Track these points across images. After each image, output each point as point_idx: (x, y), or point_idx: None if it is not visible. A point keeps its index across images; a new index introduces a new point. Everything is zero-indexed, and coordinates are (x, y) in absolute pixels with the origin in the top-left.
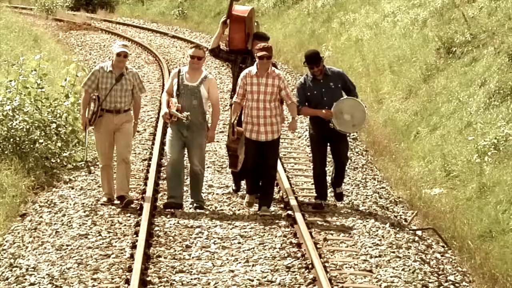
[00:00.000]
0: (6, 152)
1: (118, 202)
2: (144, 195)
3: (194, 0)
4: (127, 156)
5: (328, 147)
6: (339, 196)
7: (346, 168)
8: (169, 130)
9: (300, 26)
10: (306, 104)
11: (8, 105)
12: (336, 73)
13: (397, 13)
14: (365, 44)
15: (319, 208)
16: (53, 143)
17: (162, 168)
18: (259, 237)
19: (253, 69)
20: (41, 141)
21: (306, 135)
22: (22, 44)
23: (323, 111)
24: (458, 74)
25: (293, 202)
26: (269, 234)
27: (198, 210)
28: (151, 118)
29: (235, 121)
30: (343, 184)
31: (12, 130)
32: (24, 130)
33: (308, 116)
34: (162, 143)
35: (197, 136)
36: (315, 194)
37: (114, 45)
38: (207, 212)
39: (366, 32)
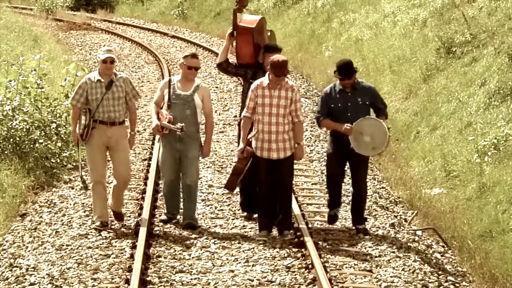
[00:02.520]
0: (6, 152)
1: (113, 217)
2: (144, 195)
3: (194, 0)
4: (129, 177)
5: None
6: (363, 231)
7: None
8: (161, 144)
9: (300, 26)
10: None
11: (8, 105)
12: (367, 88)
13: (397, 13)
14: (365, 44)
15: (334, 221)
16: (53, 143)
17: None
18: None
19: (264, 80)
20: (41, 141)
21: (306, 135)
22: (22, 44)
23: (344, 126)
24: (458, 74)
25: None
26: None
27: (189, 229)
28: (151, 118)
29: (246, 143)
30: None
31: (12, 130)
32: (24, 130)
33: (329, 130)
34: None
35: (191, 149)
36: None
37: (99, 51)
38: (207, 213)
39: (366, 32)
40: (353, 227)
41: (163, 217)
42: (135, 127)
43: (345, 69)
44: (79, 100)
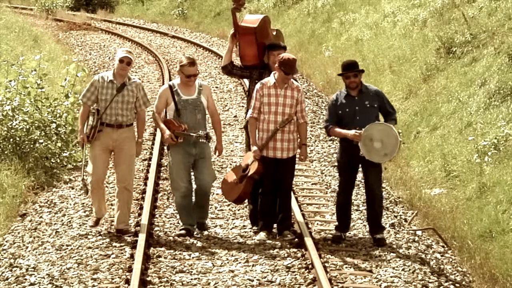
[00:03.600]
0: (6, 152)
1: (116, 232)
2: (144, 195)
3: (194, 0)
4: (130, 182)
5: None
6: (379, 241)
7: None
8: (173, 153)
9: (300, 26)
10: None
11: (8, 105)
12: (373, 92)
13: (397, 13)
14: (365, 44)
15: (339, 241)
16: (53, 143)
17: (162, 168)
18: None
19: (270, 79)
20: (41, 141)
21: None
22: (22, 44)
23: (352, 132)
24: (458, 74)
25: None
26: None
27: (200, 230)
28: (151, 118)
29: (264, 144)
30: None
31: (12, 130)
32: (24, 130)
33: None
34: (162, 143)
35: (205, 150)
36: (336, 224)
37: (118, 50)
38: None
39: (366, 32)
40: (371, 237)
41: (181, 231)
42: (142, 135)
43: (350, 65)
44: (90, 98)
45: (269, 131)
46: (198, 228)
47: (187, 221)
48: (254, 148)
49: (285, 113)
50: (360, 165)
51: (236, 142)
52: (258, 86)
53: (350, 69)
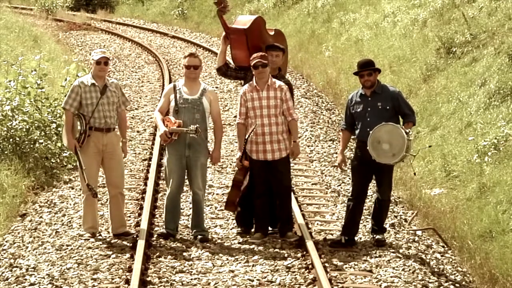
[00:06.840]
0: (6, 152)
1: (122, 236)
2: (144, 195)
3: (194, 0)
4: (123, 187)
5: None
6: (379, 242)
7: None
8: (168, 154)
9: (300, 26)
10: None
11: (7, 105)
12: (389, 93)
13: (397, 13)
14: (365, 44)
15: (337, 245)
16: (53, 143)
17: (162, 168)
18: None
19: (252, 83)
20: (41, 141)
21: (306, 135)
22: (22, 44)
23: (339, 159)
24: (458, 74)
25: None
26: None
27: (203, 243)
28: (151, 118)
29: (244, 149)
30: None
31: (12, 130)
32: (24, 130)
33: (357, 138)
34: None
35: (200, 155)
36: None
37: (92, 53)
38: (207, 213)
39: (366, 32)
40: (371, 237)
41: (162, 230)
42: (126, 135)
43: (364, 64)
44: (72, 105)
45: (257, 134)
46: (200, 241)
47: (167, 225)
48: (238, 154)
49: (271, 115)
50: (372, 170)
51: (236, 142)
52: (241, 92)
53: (364, 66)
